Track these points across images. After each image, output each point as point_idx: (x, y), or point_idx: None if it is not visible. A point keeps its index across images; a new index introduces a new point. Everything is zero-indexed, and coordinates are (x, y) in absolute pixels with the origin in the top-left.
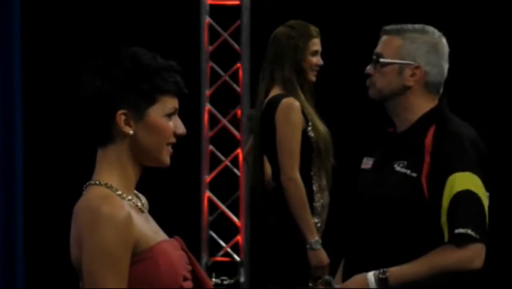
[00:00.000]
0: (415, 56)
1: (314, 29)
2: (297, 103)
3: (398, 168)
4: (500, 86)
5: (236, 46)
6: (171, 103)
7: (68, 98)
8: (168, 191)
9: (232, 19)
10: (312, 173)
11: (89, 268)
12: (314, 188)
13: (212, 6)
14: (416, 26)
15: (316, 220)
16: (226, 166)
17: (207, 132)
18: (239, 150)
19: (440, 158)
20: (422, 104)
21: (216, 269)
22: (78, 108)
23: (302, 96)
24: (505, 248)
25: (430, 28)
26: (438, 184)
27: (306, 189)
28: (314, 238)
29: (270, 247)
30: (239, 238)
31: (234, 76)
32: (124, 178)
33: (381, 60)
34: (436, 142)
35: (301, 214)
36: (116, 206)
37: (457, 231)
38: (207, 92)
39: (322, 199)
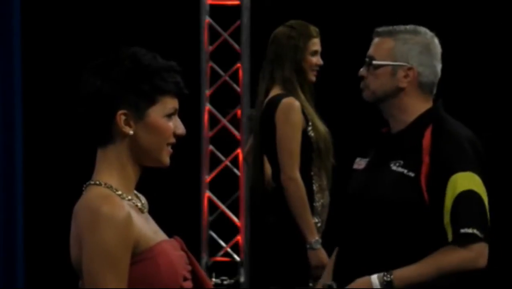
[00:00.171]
0: (407, 57)
1: (314, 29)
2: (297, 103)
3: (394, 168)
4: (494, 86)
5: (236, 46)
6: (171, 103)
7: (68, 98)
8: (168, 191)
9: (232, 19)
10: (312, 173)
11: (89, 268)
12: (314, 188)
13: (212, 6)
14: (408, 27)
15: (316, 220)
16: (226, 166)
17: (207, 132)
18: (239, 150)
19: (440, 158)
20: (417, 105)
21: (216, 269)
22: (78, 108)
23: (302, 96)
24: (505, 247)
25: (422, 29)
26: (439, 185)
27: (306, 189)
28: (314, 238)
29: (270, 247)
30: (239, 238)
31: (234, 76)
32: (124, 178)
33: (374, 62)
34: (435, 143)
35: (301, 214)
36: (116, 206)
37: (462, 231)
38: (207, 92)
39: (322, 199)
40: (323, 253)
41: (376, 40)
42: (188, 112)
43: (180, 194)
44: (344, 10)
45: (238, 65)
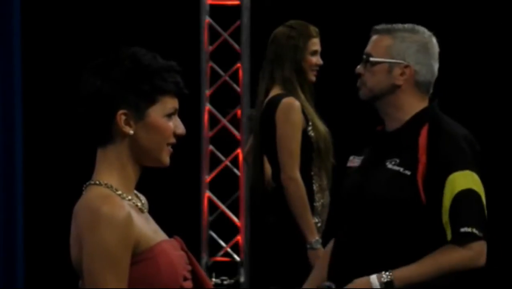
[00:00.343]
0: (404, 55)
1: (313, 29)
2: (297, 103)
3: (390, 166)
4: (490, 87)
5: (236, 46)
6: (171, 103)
7: (68, 98)
8: (168, 191)
9: (232, 19)
10: (312, 173)
11: (90, 268)
12: (315, 188)
13: (212, 6)
14: (406, 25)
15: (317, 220)
16: (226, 166)
17: (207, 132)
18: (239, 150)
19: (438, 158)
20: (413, 104)
21: (216, 269)
22: (78, 108)
23: (302, 96)
24: (502, 245)
25: (421, 28)
26: (437, 184)
27: (307, 189)
28: (315, 238)
29: (270, 247)
30: (239, 238)
31: (234, 76)
32: (124, 178)
33: (371, 59)
34: (432, 142)
35: (301, 214)
36: (116, 206)
37: (462, 230)
38: (207, 92)
39: (322, 199)
40: None
41: (374, 37)
42: (188, 112)
43: (180, 194)
44: (344, 10)
45: (238, 65)
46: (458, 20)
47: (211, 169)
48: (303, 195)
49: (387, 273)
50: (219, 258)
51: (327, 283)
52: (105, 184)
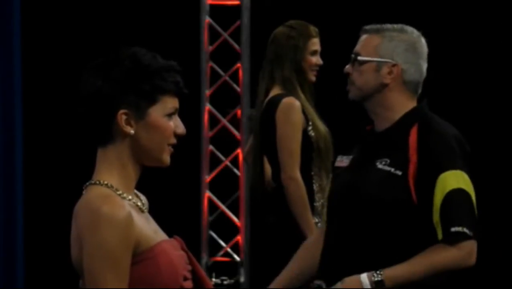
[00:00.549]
0: (392, 54)
1: (313, 29)
2: (297, 103)
3: (380, 166)
4: (480, 87)
5: (236, 46)
6: (172, 103)
7: (68, 98)
8: (168, 191)
9: (232, 19)
10: (312, 173)
11: (90, 268)
12: (315, 187)
13: (212, 6)
14: (395, 25)
15: (317, 220)
16: (226, 166)
17: (207, 132)
18: (239, 150)
19: (429, 157)
20: (402, 103)
21: (216, 269)
22: (79, 108)
23: (302, 96)
24: (491, 245)
25: (409, 28)
26: (428, 183)
27: (307, 189)
28: None
29: (270, 247)
30: (239, 238)
31: (234, 76)
32: (124, 178)
33: (359, 58)
34: (422, 141)
35: (301, 213)
36: (117, 206)
37: (453, 229)
38: (207, 92)
39: (322, 199)
40: None
41: (363, 37)
42: (188, 112)
43: (180, 194)
44: (344, 10)
45: (238, 65)
46: (455, 21)
47: (211, 169)
48: (304, 195)
49: (377, 272)
50: (219, 258)
51: (318, 282)
52: (106, 184)
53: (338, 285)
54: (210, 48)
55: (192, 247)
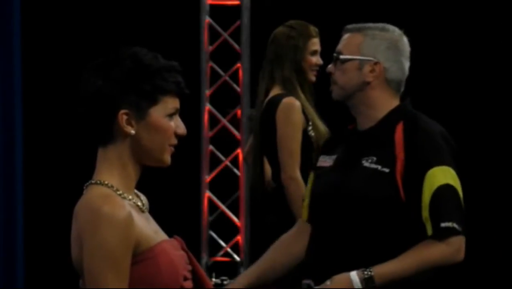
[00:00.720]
0: (374, 53)
1: (313, 29)
2: (297, 103)
3: (366, 164)
4: (464, 85)
5: (236, 46)
6: (172, 103)
7: (68, 98)
8: (168, 191)
9: (232, 19)
10: None
11: (90, 268)
12: None
13: (212, 6)
14: (377, 24)
15: None
16: (226, 166)
17: (207, 132)
18: (239, 150)
19: (416, 154)
20: (385, 101)
21: (216, 269)
22: (79, 108)
23: (302, 96)
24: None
25: (391, 27)
26: (416, 179)
27: None
28: None
29: (270, 247)
30: (239, 238)
31: (234, 76)
32: (124, 178)
33: (341, 57)
34: (408, 139)
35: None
36: (117, 206)
37: (443, 224)
38: (207, 92)
39: None
40: None
41: (345, 36)
42: (188, 112)
43: (180, 194)
44: (344, 10)
45: (238, 65)
46: (454, 21)
47: (211, 169)
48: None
49: (367, 269)
50: (219, 258)
51: (307, 282)
52: (106, 183)
53: (327, 283)
54: (210, 48)
55: (192, 247)
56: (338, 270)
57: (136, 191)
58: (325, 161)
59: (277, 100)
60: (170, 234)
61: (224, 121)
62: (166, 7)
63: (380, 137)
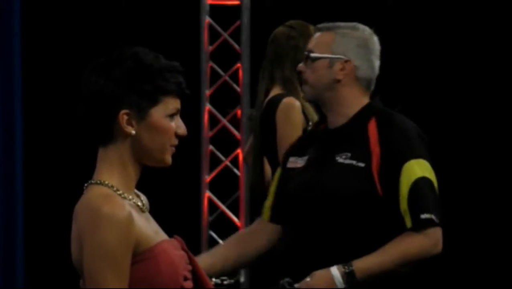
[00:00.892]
0: (345, 51)
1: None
2: (297, 103)
3: (341, 160)
4: (435, 85)
5: (236, 46)
6: (173, 103)
7: (68, 98)
8: (168, 191)
9: (232, 19)
10: None
11: (90, 268)
12: None
13: (212, 6)
14: (348, 23)
15: None
16: (226, 166)
17: (207, 132)
18: (239, 150)
19: (392, 147)
20: (356, 98)
21: None
22: (80, 107)
23: (302, 96)
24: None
25: (361, 26)
26: (393, 173)
27: None
28: None
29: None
30: None
31: (234, 76)
32: (124, 178)
33: (311, 55)
34: (383, 133)
35: None
36: (117, 206)
37: (423, 216)
38: (207, 92)
39: None
40: None
41: (316, 35)
42: (188, 112)
43: (180, 194)
44: (343, 10)
45: (238, 65)
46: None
47: (211, 169)
48: None
49: (347, 264)
50: None
51: (287, 279)
52: (106, 183)
53: (307, 280)
54: (210, 48)
55: (192, 247)
56: (319, 267)
57: (136, 191)
58: (297, 162)
59: (277, 100)
60: (170, 234)
61: (224, 121)
62: (166, 7)
63: (353, 134)
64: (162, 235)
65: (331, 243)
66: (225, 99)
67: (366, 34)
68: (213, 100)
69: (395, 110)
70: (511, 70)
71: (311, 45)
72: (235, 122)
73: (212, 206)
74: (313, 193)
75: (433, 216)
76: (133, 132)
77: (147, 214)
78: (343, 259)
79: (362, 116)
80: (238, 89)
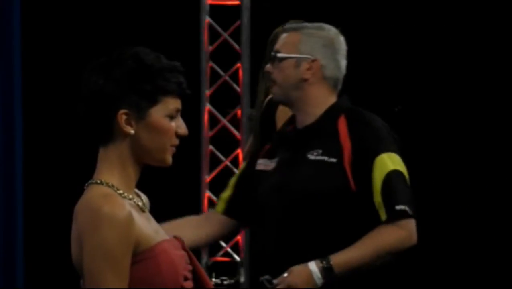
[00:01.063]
0: (311, 50)
1: None
2: None
3: (312, 157)
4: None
5: (236, 46)
6: (174, 104)
7: (68, 98)
8: (168, 191)
9: (232, 19)
10: None
11: (90, 268)
12: None
13: (212, 6)
14: (314, 23)
15: None
16: (226, 166)
17: (207, 132)
18: (239, 150)
19: (363, 141)
20: (323, 97)
21: (216, 269)
22: (80, 106)
23: None
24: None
25: (327, 26)
26: (365, 167)
27: None
28: None
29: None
30: (239, 238)
31: (234, 76)
32: (125, 177)
33: (278, 55)
34: (353, 128)
35: None
36: (117, 205)
37: (398, 207)
38: (207, 92)
39: None
40: None
41: (283, 35)
42: (188, 112)
43: (180, 194)
44: (343, 10)
45: (238, 65)
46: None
47: (211, 169)
48: None
49: (325, 259)
50: (219, 258)
51: (266, 277)
52: (106, 183)
53: (285, 275)
54: (210, 48)
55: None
56: (296, 264)
57: (136, 190)
58: (267, 165)
59: None
60: None
61: (224, 121)
62: (166, 7)
63: (322, 130)
64: (162, 235)
65: (308, 239)
66: (225, 99)
67: (332, 33)
68: (213, 100)
69: (395, 110)
70: (509, 69)
71: (278, 45)
72: (235, 122)
73: (212, 206)
74: (287, 192)
75: (407, 208)
76: (132, 132)
77: (148, 214)
78: (320, 255)
79: (331, 114)
80: (238, 89)
